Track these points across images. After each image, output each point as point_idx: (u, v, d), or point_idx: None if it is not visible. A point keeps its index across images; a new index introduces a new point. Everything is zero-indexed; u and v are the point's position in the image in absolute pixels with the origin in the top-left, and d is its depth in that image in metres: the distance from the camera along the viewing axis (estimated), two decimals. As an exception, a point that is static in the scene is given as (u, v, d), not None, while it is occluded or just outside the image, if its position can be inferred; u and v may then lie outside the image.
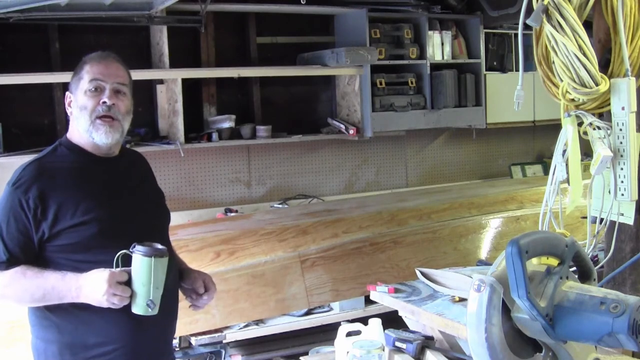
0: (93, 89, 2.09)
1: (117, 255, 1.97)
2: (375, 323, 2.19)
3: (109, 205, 2.10)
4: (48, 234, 2.02)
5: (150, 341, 2.13)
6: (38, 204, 2.00)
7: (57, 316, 2.06)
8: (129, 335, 2.07)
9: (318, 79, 4.82)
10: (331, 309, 3.93)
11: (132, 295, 1.97)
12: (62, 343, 2.06)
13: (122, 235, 2.04)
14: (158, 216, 2.28)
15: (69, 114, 2.17)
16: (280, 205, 4.61)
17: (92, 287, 1.95)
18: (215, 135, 4.22)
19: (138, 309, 1.99)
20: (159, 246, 2.01)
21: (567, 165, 1.95)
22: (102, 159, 2.15)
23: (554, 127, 2.16)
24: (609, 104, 1.92)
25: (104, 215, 2.07)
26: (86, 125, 2.09)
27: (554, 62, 1.95)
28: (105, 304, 1.95)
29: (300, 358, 2.32)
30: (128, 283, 1.97)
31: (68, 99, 2.16)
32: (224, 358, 3.27)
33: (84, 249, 2.03)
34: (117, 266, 1.97)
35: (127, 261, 1.99)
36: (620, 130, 1.90)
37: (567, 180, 1.95)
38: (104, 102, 2.09)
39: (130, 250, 1.98)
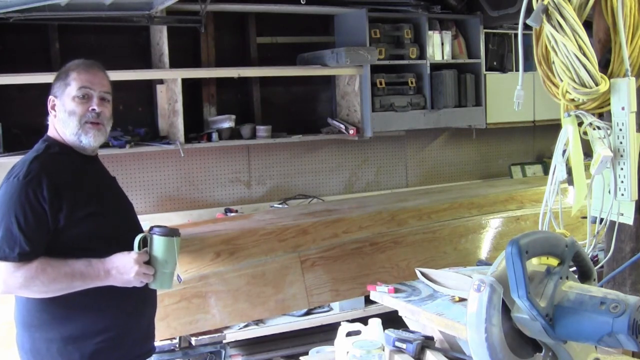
0: (81, 96, 2.25)
1: (138, 238, 2.14)
2: (375, 323, 2.19)
3: (106, 198, 2.30)
4: (64, 222, 2.10)
5: (142, 324, 2.32)
6: (53, 195, 2.09)
7: (61, 308, 2.13)
8: (126, 320, 2.23)
9: (318, 79, 4.82)
10: (331, 309, 3.93)
11: (154, 274, 2.15)
12: (65, 337, 2.14)
13: (122, 223, 2.29)
14: (132, 208, 2.47)
15: (52, 116, 2.30)
16: (280, 205, 4.61)
17: (121, 269, 2.12)
18: (215, 135, 4.22)
19: (158, 284, 2.17)
20: (173, 227, 2.20)
21: (567, 165, 1.95)
22: (88, 158, 2.31)
23: (554, 127, 2.16)
24: (609, 104, 1.92)
25: (108, 206, 2.27)
26: (75, 129, 2.24)
27: (554, 62, 1.95)
28: (133, 284, 2.14)
29: (300, 358, 2.32)
30: (148, 263, 2.14)
31: (51, 102, 2.30)
32: (224, 358, 3.27)
33: (97, 237, 2.17)
34: (138, 248, 2.13)
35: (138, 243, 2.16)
36: (620, 130, 1.90)
37: (570, 181, 1.95)
38: (93, 110, 2.25)
39: (151, 232, 2.17)
